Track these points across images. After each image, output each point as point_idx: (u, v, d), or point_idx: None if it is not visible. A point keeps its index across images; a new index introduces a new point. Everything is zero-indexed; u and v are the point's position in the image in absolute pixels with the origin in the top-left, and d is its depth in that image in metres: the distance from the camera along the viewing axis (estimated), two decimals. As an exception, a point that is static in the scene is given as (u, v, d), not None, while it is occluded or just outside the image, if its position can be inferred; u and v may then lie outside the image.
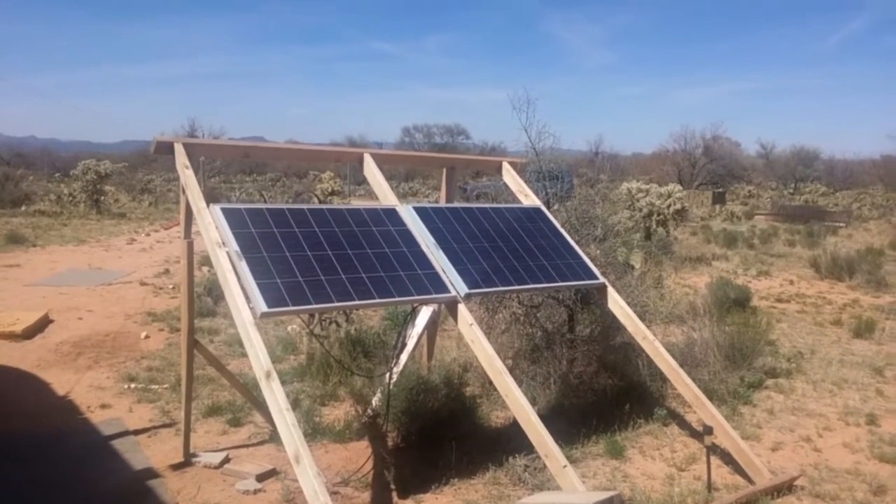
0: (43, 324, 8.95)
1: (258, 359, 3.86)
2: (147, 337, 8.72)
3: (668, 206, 17.49)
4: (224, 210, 4.43)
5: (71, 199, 29.07)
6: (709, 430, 4.60)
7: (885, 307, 11.23)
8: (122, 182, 41.90)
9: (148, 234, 21.30)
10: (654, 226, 17.56)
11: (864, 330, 9.20)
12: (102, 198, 29.36)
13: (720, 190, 47.71)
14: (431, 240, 5.02)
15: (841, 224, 27.77)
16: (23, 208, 27.17)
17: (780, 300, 11.89)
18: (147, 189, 42.35)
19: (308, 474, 3.47)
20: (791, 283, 13.85)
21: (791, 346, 8.49)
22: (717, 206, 38.91)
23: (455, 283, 4.78)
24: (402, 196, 5.44)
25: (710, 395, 5.82)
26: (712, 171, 59.07)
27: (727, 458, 5.15)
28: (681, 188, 19.09)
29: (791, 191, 57.68)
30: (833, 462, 5.29)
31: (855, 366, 7.75)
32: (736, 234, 22.06)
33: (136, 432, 5.78)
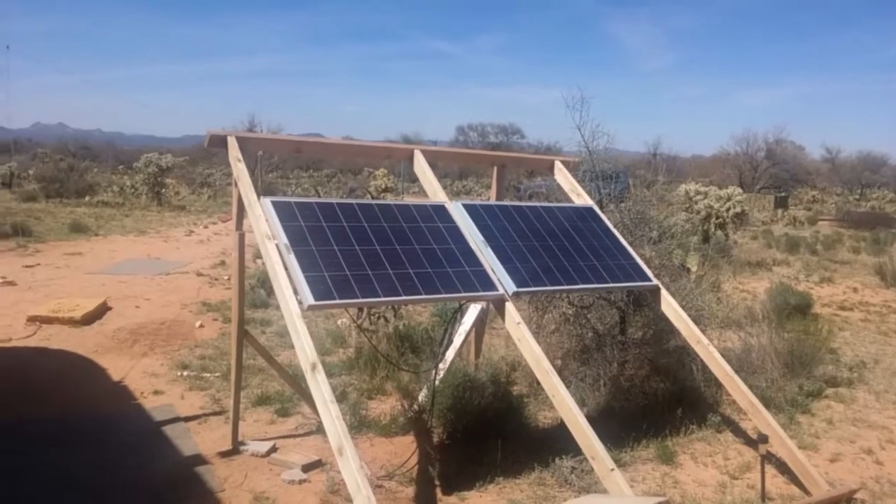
0: (101, 311, 9.18)
1: (304, 351, 3.86)
2: (201, 326, 8.87)
3: (728, 209, 17.09)
4: (274, 203, 4.46)
5: (133, 190, 29.91)
6: (764, 439, 4.45)
7: (954, 318, 10.76)
8: (182, 175, 42.90)
9: (206, 227, 21.74)
10: (713, 229, 17.17)
11: (931, 341, 8.83)
12: (163, 190, 30.11)
13: (783, 194, 46.54)
14: (480, 237, 4.97)
15: (909, 231, 26.76)
16: (87, 199, 28.01)
17: (842, 308, 11.49)
18: (206, 182, 43.27)
19: (351, 467, 3.46)
20: (855, 290, 13.38)
21: (853, 355, 8.19)
22: (780, 211, 37.92)
23: (503, 281, 4.72)
24: (455, 194, 5.42)
25: (767, 402, 5.64)
26: (775, 174, 57.65)
27: (783, 468, 4.97)
28: (741, 191, 18.65)
29: (857, 196, 55.89)
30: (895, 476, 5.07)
31: (921, 377, 7.43)
32: (798, 239, 21.44)
33: (187, 419, 5.87)
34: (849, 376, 7.22)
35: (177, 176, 38.78)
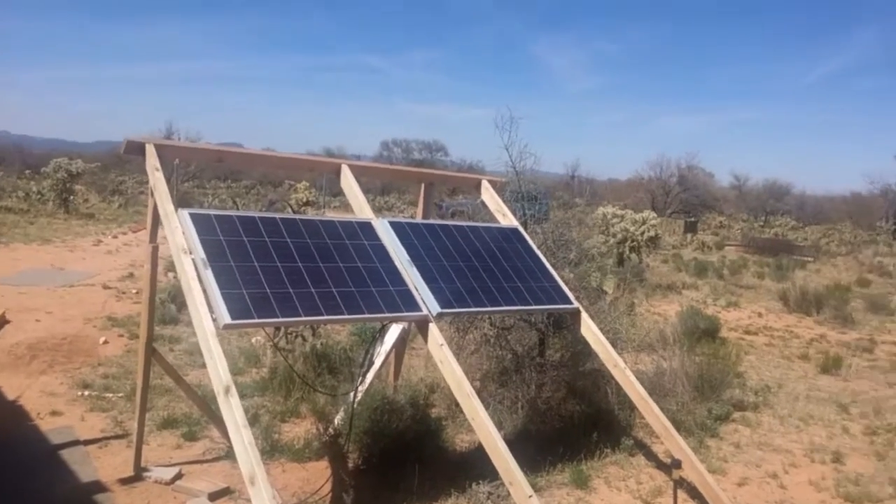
0: (-2, 324, 8.67)
1: (218, 372, 3.69)
2: (105, 342, 8.48)
3: (642, 232, 17.56)
4: (192, 215, 4.27)
5: (39, 196, 28.50)
6: (677, 464, 4.52)
7: (851, 343, 11.30)
8: (93, 182, 41.24)
9: (115, 237, 20.92)
10: (627, 252, 17.61)
11: (830, 366, 9.24)
12: (72, 197, 28.81)
13: (692, 219, 48.21)
14: (406, 256, 4.90)
15: (809, 259, 28.12)
16: (-12, 204, 26.57)
17: (748, 332, 11.92)
18: (118, 190, 41.74)
19: (263, 497, 3.32)
20: (760, 315, 13.92)
21: (759, 379, 8.48)
22: (689, 235, 39.25)
23: (427, 301, 4.66)
24: (377, 210, 5.37)
25: (678, 426, 5.75)
26: (685, 199, 59.70)
27: (693, 493, 5.06)
28: (655, 215, 19.19)
29: (761, 223, 58.43)
30: (798, 500, 5.24)
31: (821, 402, 7.75)
32: (706, 263, 22.21)
33: (87, 442, 5.56)
34: (754, 400, 7.46)
35: (87, 182, 37.24)
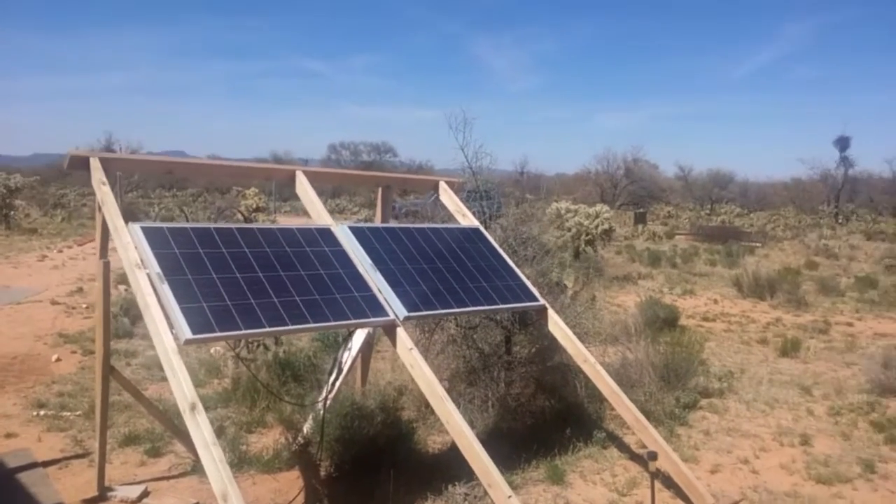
0: (-58, 347, 8.31)
1: (182, 390, 3.56)
2: (58, 360, 8.19)
3: (597, 226, 17.69)
4: (144, 229, 4.13)
5: (-24, 213, 27.50)
6: (653, 456, 4.51)
7: (807, 326, 11.53)
8: (33, 196, 39.97)
9: (60, 251, 20.29)
10: (583, 245, 17.73)
11: (789, 349, 9.41)
12: (12, 213, 27.88)
13: (641, 210, 48.82)
14: (368, 261, 4.82)
15: (757, 244, 28.71)
16: (-77, 222, 25.55)
17: (706, 319, 12.09)
18: (60, 204, 40.52)
19: (238, 515, 3.20)
20: (715, 301, 14.14)
21: (721, 366, 8.58)
22: (639, 226, 39.76)
23: (393, 305, 4.59)
24: (329, 213, 5.23)
25: (647, 416, 5.75)
26: (633, 192, 60.49)
27: (668, 482, 5.08)
28: (608, 209, 19.37)
29: (708, 211, 59.51)
30: (772, 484, 5.29)
31: (784, 385, 7.87)
32: (659, 253, 22.51)
33: (46, 464, 5.35)
34: (719, 386, 7.54)
35: (27, 197, 36.08)
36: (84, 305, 11.36)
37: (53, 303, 11.67)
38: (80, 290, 12.97)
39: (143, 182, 53.53)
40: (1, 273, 15.05)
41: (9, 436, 5.84)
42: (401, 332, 4.48)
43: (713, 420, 6.66)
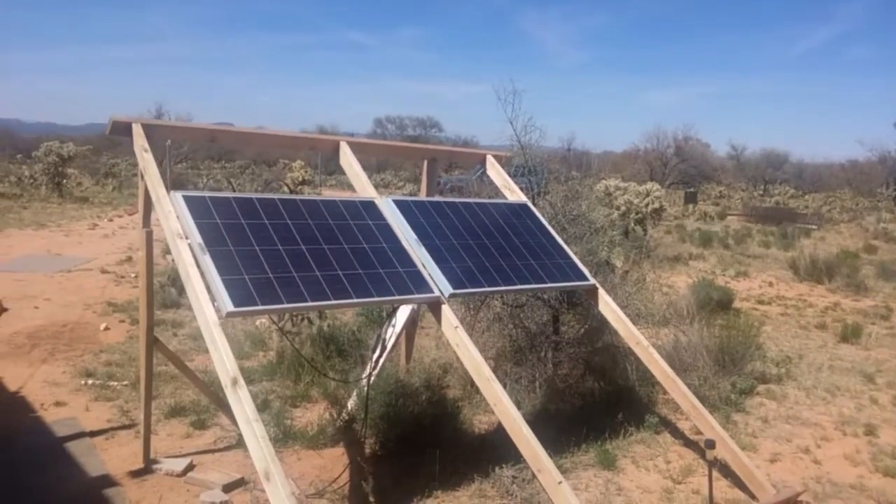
0: (-5, 313, 8.44)
1: (223, 364, 3.47)
2: (107, 329, 8.25)
3: (647, 204, 17.28)
4: (186, 198, 4.02)
5: (32, 181, 28.19)
6: (711, 444, 4.30)
7: (867, 311, 11.08)
8: (85, 165, 40.80)
9: (111, 220, 20.64)
10: (632, 224, 17.35)
11: (850, 334, 9.02)
12: (64, 181, 28.48)
13: (692, 190, 47.88)
14: (413, 235, 4.66)
15: (813, 226, 27.90)
16: (-19, 190, 26.25)
17: (761, 302, 11.70)
18: (111, 173, 41.35)
19: (280, 495, 3.10)
20: (770, 284, 13.70)
21: (778, 351, 8.27)
22: (690, 206, 38.99)
23: (438, 282, 4.43)
24: (373, 187, 5.11)
25: (702, 401, 5.51)
26: (683, 170, 59.25)
27: (725, 471, 4.86)
28: (659, 187, 18.91)
29: (761, 192, 58.13)
30: (835, 476, 5.03)
31: (845, 372, 7.54)
32: (710, 233, 21.97)
33: (93, 434, 5.34)
34: (777, 372, 7.25)
35: (79, 166, 36.81)
36: (133, 274, 11.46)
37: (103, 271, 11.81)
38: (130, 258, 13.11)
39: (193, 153, 54.25)
40: (53, 241, 15.31)
41: (58, 404, 5.87)
42: (446, 310, 4.33)
43: (771, 407, 6.39)
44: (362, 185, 4.99)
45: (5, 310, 8.68)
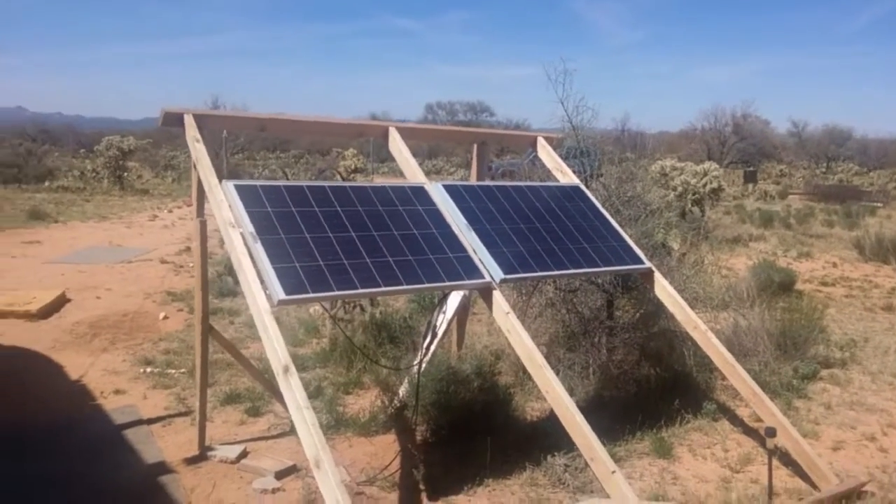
0: (59, 303, 8.68)
1: (275, 351, 3.49)
2: (166, 318, 8.43)
3: (704, 184, 16.87)
4: (238, 187, 4.05)
5: (94, 175, 28.99)
6: (772, 433, 4.16)
7: (937, 292, 10.64)
8: (145, 158, 41.84)
9: (170, 211, 21.11)
10: (689, 205, 16.96)
11: (919, 317, 8.67)
12: (125, 174, 29.26)
13: (751, 169, 46.69)
14: (463, 220, 4.61)
15: (879, 204, 26.94)
16: (46, 184, 27.12)
17: (824, 284, 11.33)
18: (170, 165, 42.21)
19: (330, 482, 3.10)
20: (834, 265, 13.26)
21: (842, 334, 7.99)
22: (750, 185, 38.04)
23: (489, 267, 4.38)
24: (426, 174, 5.14)
25: (763, 387, 5.34)
26: (742, 149, 57.78)
27: (786, 459, 4.71)
28: (717, 166, 18.44)
29: (823, 170, 56.38)
30: (903, 465, 4.83)
31: (914, 355, 7.24)
32: (771, 213, 21.40)
33: (150, 421, 5.46)
34: (841, 356, 7.01)
35: (139, 159, 37.79)
36: (191, 264, 11.65)
37: (162, 261, 12.08)
38: (188, 249, 13.36)
39: (248, 144, 55.08)
40: (114, 233, 15.73)
41: (117, 392, 6.01)
42: (497, 296, 4.28)
43: (835, 392, 6.18)
44: (412, 171, 4.96)
45: (68, 300, 8.93)
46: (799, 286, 10.43)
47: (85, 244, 13.89)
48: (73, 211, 19.79)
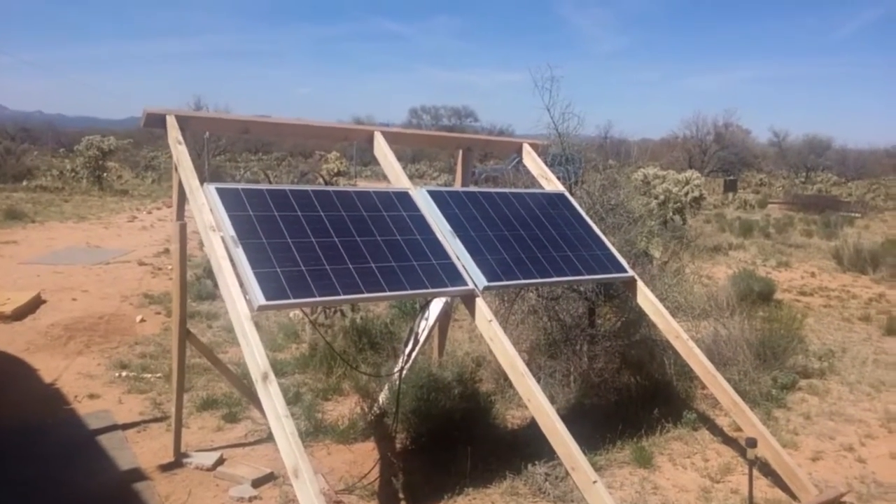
0: (34, 304, 8.56)
1: (254, 358, 3.43)
2: (143, 321, 8.32)
3: (686, 193, 16.97)
4: (219, 190, 3.99)
5: (73, 174, 28.63)
6: (753, 443, 4.16)
7: (914, 303, 10.75)
8: (126, 159, 41.41)
9: (150, 212, 20.90)
10: (671, 213, 17.04)
11: (896, 327, 8.75)
12: (105, 174, 28.94)
13: (732, 178, 47.05)
14: (447, 227, 4.58)
15: (857, 214, 27.23)
16: (24, 183, 26.74)
17: (803, 293, 11.42)
18: (151, 166, 41.85)
19: (309, 492, 3.05)
20: (812, 275, 13.37)
21: (821, 344, 8.04)
22: (730, 194, 38.33)
23: (473, 274, 4.35)
24: (408, 179, 5.06)
25: (742, 397, 5.34)
26: (723, 158, 58.29)
27: (765, 469, 4.71)
28: (699, 175, 18.55)
29: (803, 180, 56.95)
30: (881, 475, 4.85)
31: (891, 366, 7.29)
32: (751, 222, 21.57)
33: (125, 426, 5.37)
34: (819, 366, 7.04)
35: (120, 159, 37.37)
36: (170, 266, 11.54)
37: (140, 263, 11.94)
38: (167, 250, 13.22)
39: (231, 146, 54.72)
40: (92, 233, 15.54)
41: (92, 396, 5.92)
42: (480, 303, 4.24)
43: (813, 402, 6.21)
44: (396, 176, 4.92)
45: (44, 302, 8.80)
46: (778, 296, 10.50)
47: (62, 245, 13.71)
48: (51, 211, 19.54)
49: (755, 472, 4.57)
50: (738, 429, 5.07)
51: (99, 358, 6.93)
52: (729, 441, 5.32)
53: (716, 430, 5.52)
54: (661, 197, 16.86)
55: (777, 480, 4.57)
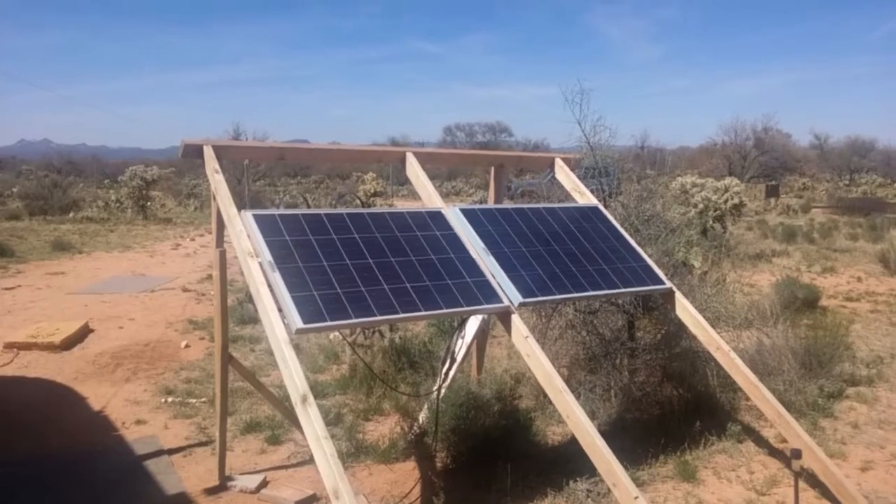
0: (83, 334, 8.77)
1: (293, 381, 3.48)
2: (187, 346, 8.48)
3: (726, 200, 16.73)
4: (256, 217, 4.07)
5: (118, 205, 29.37)
6: (798, 454, 4.09)
7: (966, 306, 10.45)
8: (169, 187, 42.30)
9: (192, 239, 21.29)
10: (711, 222, 16.82)
11: (947, 331, 8.51)
12: (149, 203, 29.60)
13: (773, 183, 46.32)
14: (481, 244, 4.61)
15: (904, 216, 26.55)
16: (71, 215, 27.48)
17: (849, 299, 11.17)
18: (193, 194, 42.62)
19: (349, 513, 3.08)
20: (859, 280, 13.08)
21: (869, 350, 7.86)
22: (772, 200, 37.72)
23: (508, 291, 4.36)
24: (445, 196, 5.12)
25: (788, 407, 5.28)
26: (764, 163, 57.36)
27: (813, 481, 4.62)
28: (738, 182, 18.30)
29: (847, 182, 55.81)
30: (935, 486, 4.72)
31: (943, 372, 7.10)
32: (794, 228, 21.18)
33: (171, 451, 5.48)
34: (867, 374, 6.89)
35: (163, 188, 38.26)
36: (213, 292, 11.75)
37: (184, 290, 12.17)
38: (210, 277, 13.46)
39: (269, 171, 55.55)
40: (138, 262, 15.89)
41: (139, 422, 6.05)
42: (516, 320, 4.25)
43: (862, 411, 6.07)
44: (429, 195, 4.96)
45: (91, 331, 9.02)
46: (823, 302, 10.29)
47: (108, 274, 14.04)
48: (97, 241, 20.04)
49: (802, 484, 4.50)
50: (784, 440, 4.98)
51: (145, 384, 7.07)
52: (774, 453, 5.23)
53: (761, 442, 5.43)
54: (701, 205, 16.67)
55: (825, 492, 4.48)
